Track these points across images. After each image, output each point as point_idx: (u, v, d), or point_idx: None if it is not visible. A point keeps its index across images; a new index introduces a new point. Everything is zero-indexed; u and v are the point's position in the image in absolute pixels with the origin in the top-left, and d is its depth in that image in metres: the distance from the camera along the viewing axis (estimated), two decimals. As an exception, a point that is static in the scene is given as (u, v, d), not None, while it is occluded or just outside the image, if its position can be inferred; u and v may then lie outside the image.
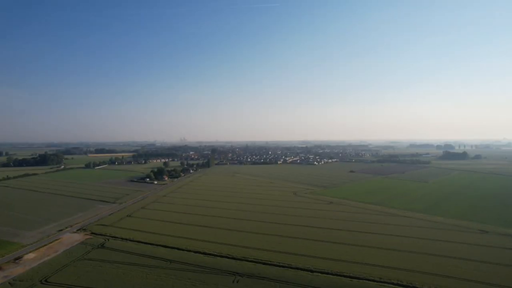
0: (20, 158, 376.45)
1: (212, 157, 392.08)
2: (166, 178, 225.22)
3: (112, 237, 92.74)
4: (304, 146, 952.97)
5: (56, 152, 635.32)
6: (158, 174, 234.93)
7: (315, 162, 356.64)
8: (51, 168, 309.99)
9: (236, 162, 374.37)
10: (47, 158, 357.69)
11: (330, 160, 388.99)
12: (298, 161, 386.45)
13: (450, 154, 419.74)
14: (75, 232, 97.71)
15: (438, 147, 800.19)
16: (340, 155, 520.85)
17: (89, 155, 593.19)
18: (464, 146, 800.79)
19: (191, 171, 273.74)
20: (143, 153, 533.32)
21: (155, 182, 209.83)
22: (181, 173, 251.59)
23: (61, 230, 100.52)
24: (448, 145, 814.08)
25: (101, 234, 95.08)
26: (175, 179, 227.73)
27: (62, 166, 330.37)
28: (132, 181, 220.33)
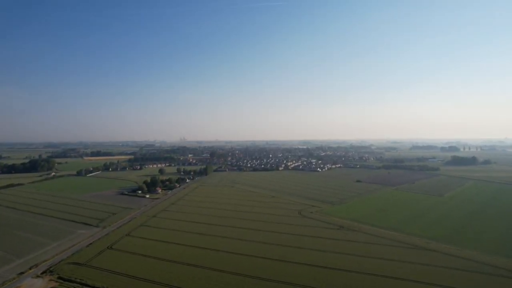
0: (10, 163, 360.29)
1: (210, 164, 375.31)
2: (160, 191, 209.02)
3: (83, 284, 76.54)
4: (305, 147, 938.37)
5: (52, 155, 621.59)
6: (151, 185, 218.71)
7: (318, 169, 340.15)
8: (40, 176, 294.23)
9: (235, 168, 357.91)
10: (37, 165, 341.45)
11: (333, 166, 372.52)
12: (301, 166, 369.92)
13: (459, 159, 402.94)
14: (39, 276, 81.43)
15: (442, 149, 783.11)
16: (343, 159, 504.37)
17: (85, 158, 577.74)
18: (469, 148, 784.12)
19: (187, 181, 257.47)
20: (140, 157, 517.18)
21: (147, 196, 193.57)
22: (176, 184, 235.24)
23: (23, 272, 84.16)
24: (452, 147, 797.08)
25: (70, 280, 78.77)
26: (169, 191, 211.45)
27: (53, 173, 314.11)
28: (122, 193, 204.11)
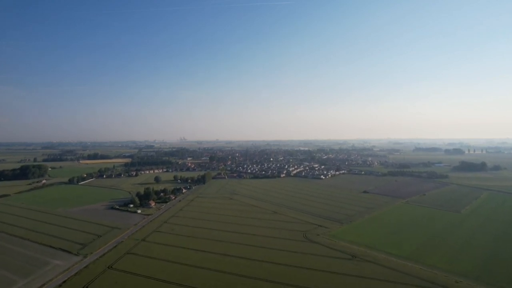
0: (0, 169, 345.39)
1: (209, 170, 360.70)
2: (153, 204, 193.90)
3: None
4: (306, 149, 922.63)
5: (48, 158, 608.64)
6: (144, 197, 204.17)
7: (322, 176, 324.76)
8: (29, 184, 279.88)
9: (235, 175, 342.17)
10: (28, 171, 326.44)
11: (337, 172, 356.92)
12: (303, 173, 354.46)
13: (467, 164, 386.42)
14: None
15: (447, 151, 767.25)
16: (346, 163, 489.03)
17: (81, 161, 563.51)
18: (474, 150, 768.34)
19: (183, 191, 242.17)
20: (137, 161, 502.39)
21: (139, 212, 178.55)
22: (171, 195, 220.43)
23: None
24: (456, 149, 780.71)
25: None
26: (163, 205, 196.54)
27: (43, 181, 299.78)
28: (112, 208, 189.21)
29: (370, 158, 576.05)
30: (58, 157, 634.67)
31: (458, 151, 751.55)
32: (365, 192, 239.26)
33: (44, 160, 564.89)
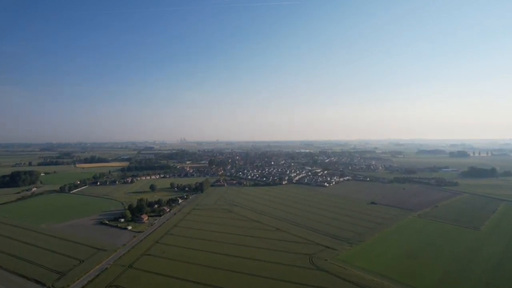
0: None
1: (208, 175, 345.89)
2: (145, 219, 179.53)
3: None
4: (308, 151, 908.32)
5: (43, 161, 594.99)
6: (136, 210, 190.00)
7: (326, 183, 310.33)
8: (18, 193, 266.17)
9: (235, 182, 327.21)
10: (18, 178, 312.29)
11: (341, 179, 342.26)
12: (306, 179, 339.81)
13: (477, 170, 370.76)
14: None
15: (451, 154, 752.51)
16: (350, 167, 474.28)
17: (77, 165, 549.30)
18: (479, 153, 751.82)
19: (179, 202, 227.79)
20: (134, 165, 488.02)
21: (129, 228, 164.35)
22: (166, 207, 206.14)
23: None
24: (461, 152, 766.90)
25: None
26: (157, 219, 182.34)
27: (34, 189, 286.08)
28: (101, 223, 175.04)
29: (373, 162, 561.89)
30: (54, 160, 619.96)
31: (462, 153, 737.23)
32: (372, 203, 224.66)
33: (40, 164, 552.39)
